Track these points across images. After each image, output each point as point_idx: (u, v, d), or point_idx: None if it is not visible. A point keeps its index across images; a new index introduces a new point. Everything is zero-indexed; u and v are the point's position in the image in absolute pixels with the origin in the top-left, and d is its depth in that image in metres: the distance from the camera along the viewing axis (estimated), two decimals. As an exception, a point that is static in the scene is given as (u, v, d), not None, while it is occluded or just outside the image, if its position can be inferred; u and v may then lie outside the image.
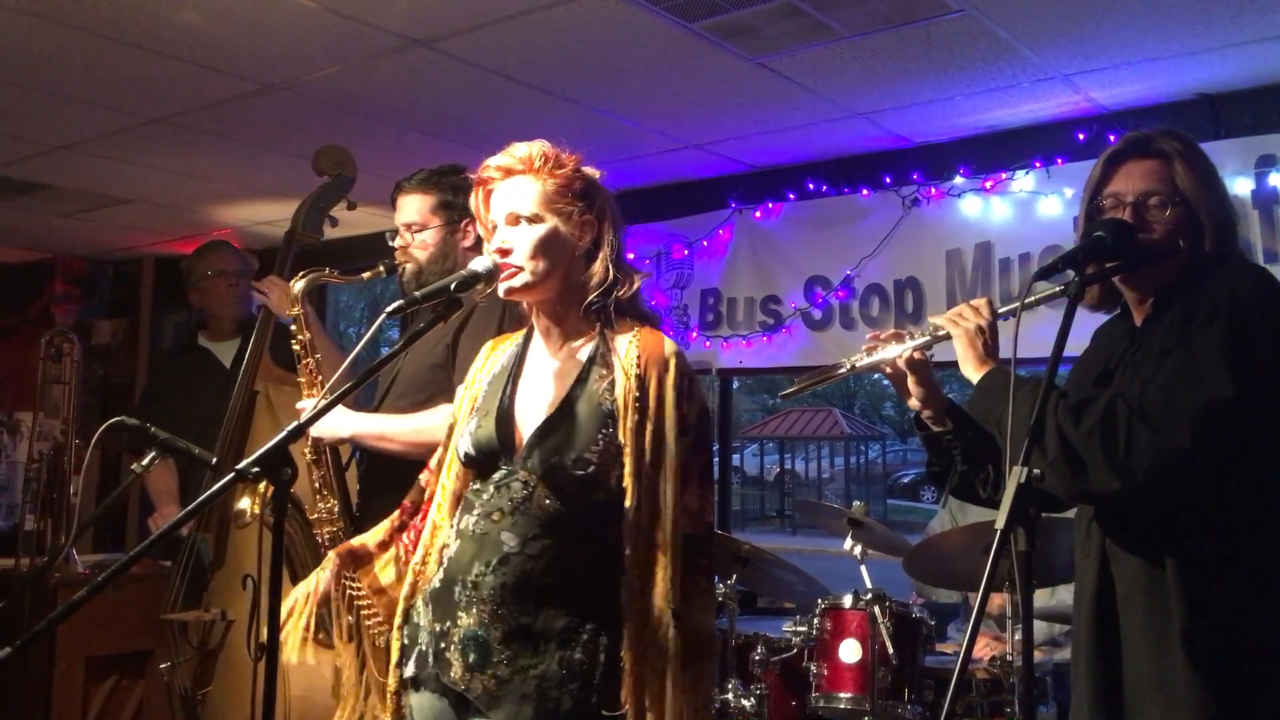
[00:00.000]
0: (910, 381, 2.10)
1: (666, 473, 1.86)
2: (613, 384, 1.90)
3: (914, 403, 2.12)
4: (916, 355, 2.07)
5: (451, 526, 1.98)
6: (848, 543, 3.34)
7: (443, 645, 1.90)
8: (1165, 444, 1.67)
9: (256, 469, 1.57)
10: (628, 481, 1.85)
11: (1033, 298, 1.93)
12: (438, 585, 1.94)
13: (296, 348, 2.87)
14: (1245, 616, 1.72)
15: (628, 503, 1.84)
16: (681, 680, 1.81)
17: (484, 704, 1.83)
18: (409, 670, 1.95)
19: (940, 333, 2.02)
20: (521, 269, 1.91)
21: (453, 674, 1.86)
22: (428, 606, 1.95)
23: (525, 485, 1.89)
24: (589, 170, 1.99)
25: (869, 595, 3.04)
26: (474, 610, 1.87)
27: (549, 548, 1.86)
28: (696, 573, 1.87)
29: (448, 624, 1.89)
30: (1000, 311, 1.98)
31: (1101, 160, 1.96)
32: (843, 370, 2.16)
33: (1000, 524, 1.54)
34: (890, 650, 2.94)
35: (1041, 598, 3.46)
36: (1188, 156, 1.88)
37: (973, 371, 1.93)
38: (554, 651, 1.83)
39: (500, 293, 1.94)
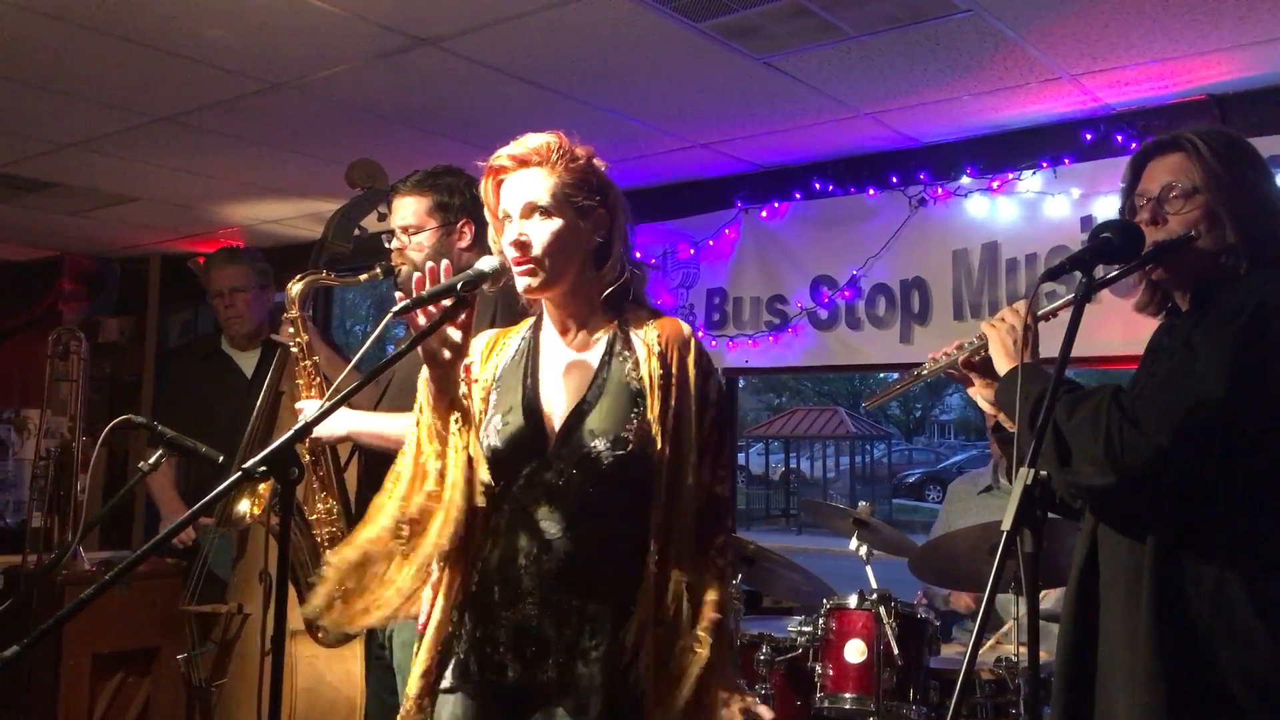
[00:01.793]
0: (978, 385, 2.14)
1: (690, 448, 1.89)
2: (637, 364, 1.92)
3: (987, 406, 2.15)
4: (975, 359, 2.11)
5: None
6: (853, 542, 3.34)
7: (488, 650, 1.89)
8: (1147, 442, 1.68)
9: (263, 468, 1.57)
10: (659, 452, 1.87)
11: (1057, 304, 2.01)
12: (474, 590, 1.93)
13: (295, 350, 2.89)
14: (1208, 619, 1.71)
15: (660, 479, 1.87)
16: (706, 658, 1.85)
17: (551, 693, 1.83)
18: (446, 682, 1.93)
19: (984, 337, 2.06)
20: (541, 265, 1.90)
21: (510, 674, 1.86)
22: (464, 614, 1.93)
23: (560, 474, 1.88)
24: (599, 163, 1.98)
25: (874, 595, 3.04)
26: (520, 605, 1.86)
27: (592, 530, 1.87)
28: (704, 544, 1.92)
29: (490, 626, 1.89)
30: (1039, 314, 2.01)
31: (1130, 163, 1.99)
32: (912, 379, 2.26)
33: (1006, 525, 1.54)
34: (895, 651, 2.94)
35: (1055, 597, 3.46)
36: (1206, 150, 1.87)
37: (1001, 365, 1.99)
38: (612, 629, 1.84)
39: (520, 290, 1.93)
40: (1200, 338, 1.74)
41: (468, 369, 2.03)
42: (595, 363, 1.95)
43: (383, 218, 3.28)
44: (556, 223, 1.90)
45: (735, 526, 2.02)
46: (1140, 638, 1.73)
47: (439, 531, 1.88)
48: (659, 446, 1.87)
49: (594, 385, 1.92)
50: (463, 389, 1.99)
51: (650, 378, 1.90)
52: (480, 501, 1.93)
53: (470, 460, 1.93)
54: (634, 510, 1.88)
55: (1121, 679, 1.77)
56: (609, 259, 1.96)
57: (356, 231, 3.27)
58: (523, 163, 1.93)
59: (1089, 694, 1.82)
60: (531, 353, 2.02)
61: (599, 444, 1.87)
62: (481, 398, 2.00)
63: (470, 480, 1.92)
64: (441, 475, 1.91)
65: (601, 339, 1.97)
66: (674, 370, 1.91)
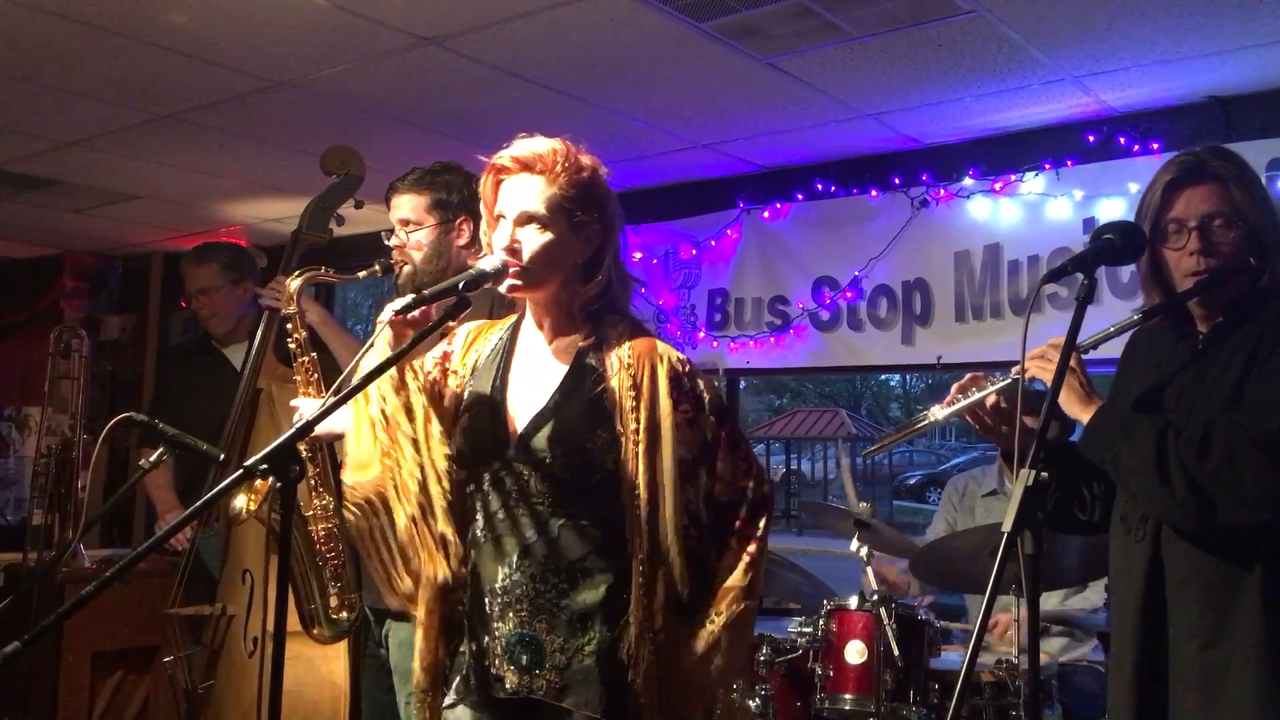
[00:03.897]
0: (997, 422, 2.09)
1: (661, 458, 1.87)
2: (605, 377, 1.91)
3: (1003, 442, 2.11)
4: (1002, 401, 2.04)
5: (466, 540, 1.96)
6: (854, 544, 3.34)
7: (486, 662, 1.89)
8: None
9: (265, 466, 1.57)
10: (629, 466, 1.86)
11: (1113, 328, 1.98)
12: (467, 604, 1.94)
13: (293, 345, 2.88)
14: None
15: (626, 487, 1.86)
16: (694, 667, 1.86)
17: (553, 697, 1.83)
18: (449, 700, 1.94)
19: (1019, 374, 1.99)
20: (526, 273, 1.90)
21: (509, 685, 1.86)
22: (462, 629, 1.94)
23: (520, 476, 1.89)
24: (603, 174, 1.97)
25: (875, 597, 3.04)
26: (511, 614, 1.86)
27: (563, 526, 1.87)
28: (727, 534, 1.92)
29: (485, 639, 1.89)
30: (1083, 345, 1.98)
31: (1159, 187, 1.98)
32: (925, 423, 2.15)
33: (1007, 527, 1.54)
34: (895, 652, 2.94)
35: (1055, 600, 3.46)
36: (1241, 178, 1.92)
37: (1079, 411, 1.93)
38: (602, 622, 1.84)
39: (502, 288, 1.93)
40: None
41: (447, 357, 2.05)
42: (565, 370, 1.94)
43: (359, 205, 3.27)
44: (549, 236, 1.90)
45: (762, 517, 1.97)
46: (1234, 639, 1.76)
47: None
48: (630, 462, 1.86)
49: (558, 392, 1.92)
50: (435, 374, 2.02)
51: (620, 390, 1.89)
52: (438, 493, 1.94)
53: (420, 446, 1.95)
54: (600, 503, 1.88)
55: (1194, 679, 1.79)
56: (597, 273, 1.95)
57: (333, 222, 3.26)
58: (526, 167, 1.91)
59: (1160, 692, 1.84)
60: (507, 352, 2.03)
61: (554, 451, 1.87)
62: (456, 391, 2.01)
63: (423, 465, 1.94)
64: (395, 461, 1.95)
65: (576, 347, 1.96)
66: (645, 385, 1.89)
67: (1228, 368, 1.86)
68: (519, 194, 1.91)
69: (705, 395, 1.94)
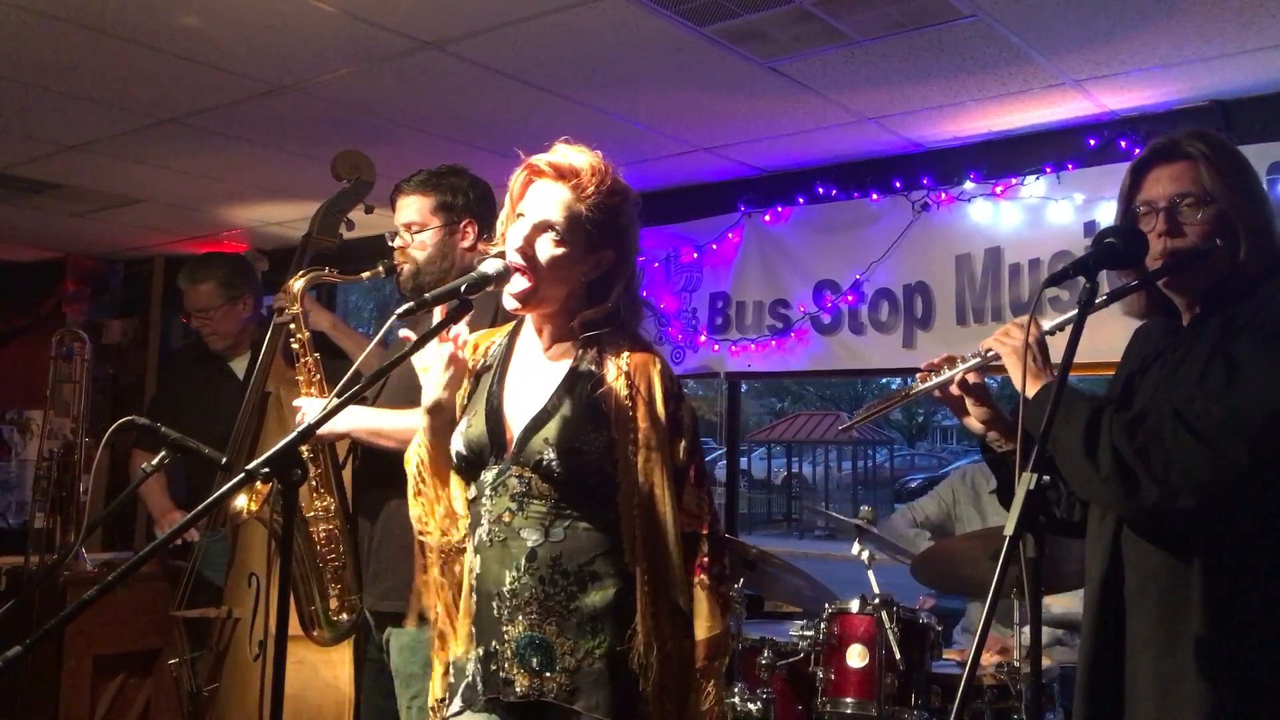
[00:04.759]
0: (969, 404, 2.08)
1: (660, 465, 1.89)
2: (602, 381, 1.92)
3: (976, 425, 2.09)
4: (971, 378, 2.04)
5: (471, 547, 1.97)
6: (855, 547, 3.34)
7: (494, 667, 1.89)
8: (1222, 462, 1.66)
9: (267, 469, 1.57)
10: (627, 470, 1.88)
11: (1075, 311, 1.92)
12: (474, 608, 1.94)
13: (295, 346, 2.88)
14: (1268, 628, 1.71)
15: (625, 492, 1.87)
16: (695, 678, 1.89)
17: (563, 700, 1.83)
18: (455, 707, 1.94)
19: (989, 353, 2.00)
20: (531, 284, 1.91)
21: (519, 688, 1.86)
22: (470, 636, 1.94)
23: (520, 479, 1.90)
24: (633, 202, 1.98)
25: (876, 600, 3.04)
26: (520, 618, 1.86)
27: (568, 528, 1.88)
28: (697, 570, 1.92)
29: (493, 643, 1.89)
30: (1047, 327, 1.97)
31: (1129, 169, 1.95)
32: (898, 398, 2.15)
33: (1009, 530, 1.54)
34: (897, 656, 2.94)
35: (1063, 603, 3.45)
36: (1214, 157, 1.87)
37: (1029, 389, 1.89)
38: (613, 625, 1.85)
39: (506, 304, 1.95)
40: (1250, 351, 1.73)
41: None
42: (562, 374, 1.95)
43: (369, 210, 3.27)
44: (561, 250, 1.91)
45: (725, 558, 2.00)
46: (1185, 645, 1.73)
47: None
48: (628, 467, 1.88)
49: (555, 395, 1.93)
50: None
51: (616, 396, 1.90)
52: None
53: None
54: (608, 514, 1.89)
55: (1152, 689, 1.76)
56: (604, 298, 1.96)
57: (343, 227, 3.27)
58: (560, 175, 1.92)
59: (1117, 700, 1.82)
60: (504, 357, 2.04)
61: (550, 454, 1.88)
62: (461, 403, 2.03)
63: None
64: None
65: (574, 352, 1.97)
66: (640, 391, 1.91)
67: (1195, 361, 1.82)
68: (545, 200, 1.92)
69: (685, 421, 1.96)
